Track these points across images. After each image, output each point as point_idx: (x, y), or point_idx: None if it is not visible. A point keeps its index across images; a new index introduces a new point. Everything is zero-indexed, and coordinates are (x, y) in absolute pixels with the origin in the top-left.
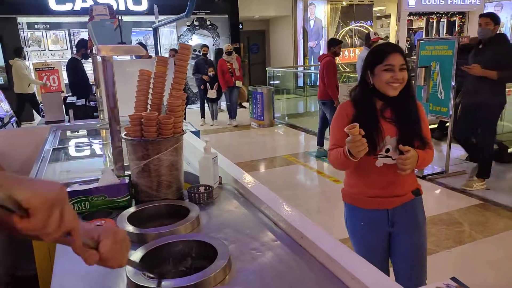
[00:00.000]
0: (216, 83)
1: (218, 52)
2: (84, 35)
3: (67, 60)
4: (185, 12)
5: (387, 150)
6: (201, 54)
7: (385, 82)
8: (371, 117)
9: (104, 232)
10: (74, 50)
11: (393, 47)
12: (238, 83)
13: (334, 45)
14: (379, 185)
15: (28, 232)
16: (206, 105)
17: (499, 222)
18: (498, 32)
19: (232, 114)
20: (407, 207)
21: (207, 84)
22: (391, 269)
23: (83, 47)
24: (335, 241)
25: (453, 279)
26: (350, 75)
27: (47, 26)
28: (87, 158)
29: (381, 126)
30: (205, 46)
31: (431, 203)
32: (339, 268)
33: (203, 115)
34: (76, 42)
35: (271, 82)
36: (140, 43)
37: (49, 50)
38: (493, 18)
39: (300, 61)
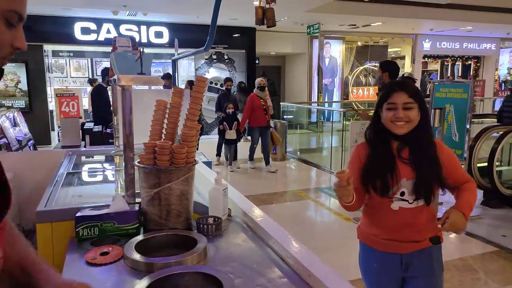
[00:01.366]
0: (235, 123)
1: (240, 88)
2: (106, 64)
3: (87, 87)
4: (204, 46)
5: (402, 193)
6: (223, 88)
7: (389, 121)
8: (385, 157)
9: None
10: (98, 78)
11: (400, 86)
12: (271, 123)
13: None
14: (394, 229)
15: None
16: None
17: None
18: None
19: (266, 159)
20: (423, 254)
21: (224, 123)
22: None
23: (107, 74)
24: (344, 281)
25: None
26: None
27: (71, 54)
28: (100, 184)
29: (397, 168)
30: (229, 80)
31: (445, 248)
32: None
33: (219, 153)
34: (101, 70)
35: (284, 116)
36: (168, 74)
37: (71, 77)
38: (381, 66)
39: (314, 97)
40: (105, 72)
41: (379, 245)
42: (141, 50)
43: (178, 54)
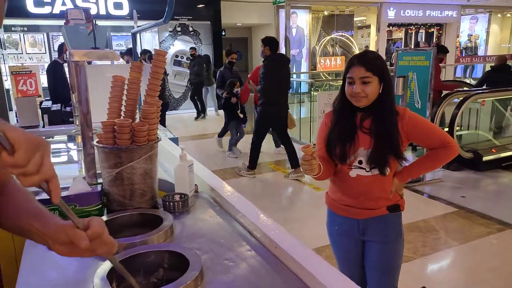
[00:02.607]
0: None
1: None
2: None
3: (45, 64)
4: (163, 18)
5: (360, 162)
6: (227, 63)
7: (349, 95)
8: (346, 127)
9: (94, 219)
10: (53, 54)
11: (359, 59)
12: None
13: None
14: (351, 195)
15: (10, 168)
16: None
17: (474, 229)
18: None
19: (277, 141)
20: (378, 221)
21: (236, 106)
22: None
23: (63, 51)
24: (309, 251)
25: None
26: (331, 83)
27: (25, 29)
28: (62, 165)
29: (356, 137)
30: (234, 52)
31: (408, 210)
32: (312, 278)
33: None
34: (57, 46)
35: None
36: (130, 49)
37: (26, 53)
38: (262, 41)
39: None
40: (62, 48)
41: (339, 209)
42: (94, 22)
43: (138, 27)
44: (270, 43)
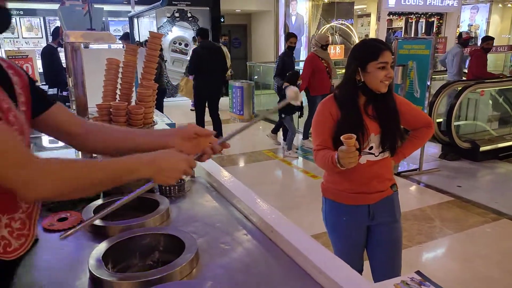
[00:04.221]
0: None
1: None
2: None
3: (41, 48)
4: (161, 1)
5: (371, 148)
6: (286, 48)
7: (379, 80)
8: (354, 116)
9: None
10: (50, 38)
11: (384, 44)
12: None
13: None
14: (362, 181)
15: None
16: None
17: (469, 219)
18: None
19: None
20: (386, 202)
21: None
22: (366, 262)
23: (59, 35)
24: (305, 236)
25: (418, 272)
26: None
27: (21, 12)
28: (60, 149)
29: (366, 125)
30: (293, 35)
31: (405, 199)
32: (307, 262)
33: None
34: (52, 30)
35: (252, 76)
36: (127, 33)
37: (23, 37)
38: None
39: None
40: (57, 32)
41: (348, 199)
42: (90, 3)
43: (135, 11)
44: (201, 32)
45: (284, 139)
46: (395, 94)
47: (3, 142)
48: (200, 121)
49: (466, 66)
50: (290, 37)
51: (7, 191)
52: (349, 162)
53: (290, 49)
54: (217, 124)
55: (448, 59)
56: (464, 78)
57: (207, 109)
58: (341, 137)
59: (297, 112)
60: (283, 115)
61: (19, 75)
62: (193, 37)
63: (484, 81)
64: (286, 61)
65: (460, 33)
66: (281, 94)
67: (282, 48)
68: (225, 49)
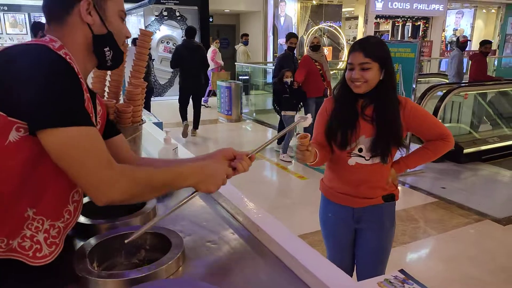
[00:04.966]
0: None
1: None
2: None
3: None
4: None
5: (360, 150)
6: (286, 49)
7: (349, 80)
8: (348, 113)
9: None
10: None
11: (359, 45)
12: (329, 92)
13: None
14: (349, 183)
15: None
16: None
17: (453, 220)
18: None
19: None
20: (373, 210)
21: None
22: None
23: (39, 29)
24: (291, 235)
25: (401, 271)
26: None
27: (5, 8)
28: None
29: (358, 125)
30: (294, 35)
31: None
32: (293, 261)
33: (285, 149)
34: (30, 25)
35: (240, 77)
36: None
37: (6, 33)
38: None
39: (270, 58)
40: (37, 26)
41: (334, 197)
42: None
43: None
44: (186, 30)
45: (279, 143)
46: (409, 101)
47: (99, 144)
48: (183, 113)
49: (464, 69)
50: (291, 37)
51: (58, 198)
52: (299, 158)
53: (290, 49)
54: (197, 116)
55: (448, 62)
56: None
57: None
58: (297, 136)
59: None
60: (280, 111)
61: (102, 106)
62: (289, 33)
63: (468, 85)
64: (284, 62)
65: (458, 37)
66: (277, 96)
67: (270, 49)
68: (242, 48)
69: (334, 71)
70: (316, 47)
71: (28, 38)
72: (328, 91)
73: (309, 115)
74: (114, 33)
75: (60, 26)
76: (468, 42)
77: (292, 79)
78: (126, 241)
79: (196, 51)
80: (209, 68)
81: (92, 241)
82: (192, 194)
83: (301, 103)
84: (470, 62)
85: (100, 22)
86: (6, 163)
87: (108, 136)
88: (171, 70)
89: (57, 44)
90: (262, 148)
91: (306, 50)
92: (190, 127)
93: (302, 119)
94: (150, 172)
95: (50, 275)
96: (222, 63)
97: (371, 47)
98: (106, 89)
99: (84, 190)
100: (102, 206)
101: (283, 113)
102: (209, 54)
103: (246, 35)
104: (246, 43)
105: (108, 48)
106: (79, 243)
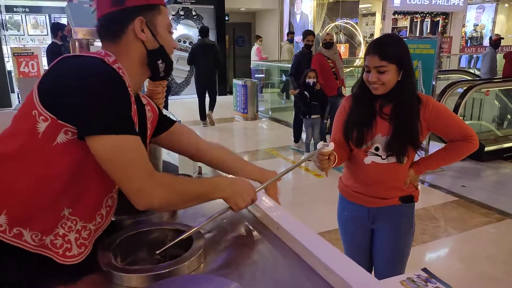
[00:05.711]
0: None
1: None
2: (65, 20)
3: (47, 46)
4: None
5: (377, 149)
6: (304, 47)
7: (366, 81)
8: (365, 112)
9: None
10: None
11: (374, 48)
12: (344, 91)
13: None
14: (364, 182)
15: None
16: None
17: (473, 219)
18: None
19: (323, 135)
20: (390, 210)
21: (310, 101)
22: None
23: (58, 30)
24: (311, 232)
25: (424, 270)
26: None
27: (27, 9)
28: None
29: (374, 123)
30: (311, 33)
31: None
32: (313, 258)
33: (297, 137)
34: (50, 26)
35: (256, 75)
36: None
37: (28, 35)
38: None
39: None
40: (56, 27)
41: (350, 196)
42: None
43: None
44: (200, 30)
45: (296, 141)
46: (431, 99)
47: (141, 153)
48: (201, 105)
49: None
50: (308, 35)
51: (94, 201)
52: (317, 166)
53: (308, 47)
54: (212, 102)
55: (485, 61)
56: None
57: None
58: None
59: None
60: (303, 116)
61: (153, 111)
62: (306, 31)
63: (489, 81)
64: (301, 60)
65: (490, 36)
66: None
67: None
68: (287, 46)
69: (351, 68)
70: (329, 44)
71: (48, 39)
72: (343, 90)
73: (331, 144)
74: (165, 46)
75: (114, 43)
76: (501, 39)
77: (315, 80)
78: (157, 252)
79: (209, 49)
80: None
81: (116, 236)
82: (225, 210)
83: (326, 105)
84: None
85: (152, 38)
86: (53, 163)
87: (164, 129)
88: (188, 69)
89: (111, 59)
90: (287, 172)
91: (319, 48)
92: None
93: (324, 147)
94: (188, 182)
95: (76, 268)
96: (267, 57)
97: (386, 49)
98: None
99: (126, 195)
100: (142, 210)
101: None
102: (254, 51)
103: (292, 33)
104: (291, 41)
105: (161, 61)
106: (103, 239)
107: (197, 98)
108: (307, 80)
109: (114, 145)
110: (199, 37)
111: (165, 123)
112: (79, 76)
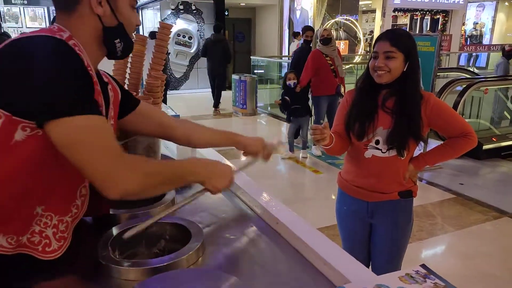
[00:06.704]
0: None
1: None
2: None
3: None
4: None
5: (377, 142)
6: (302, 42)
7: (372, 69)
8: (367, 104)
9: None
10: None
11: (386, 34)
12: (342, 90)
13: None
14: (365, 176)
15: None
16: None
17: (471, 216)
18: None
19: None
20: (389, 205)
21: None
22: None
23: None
24: (310, 227)
25: (423, 266)
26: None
27: (25, 2)
28: None
29: (376, 116)
30: (310, 29)
31: None
32: (312, 253)
33: (304, 145)
34: (51, 20)
35: (255, 71)
36: None
37: (27, 27)
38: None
39: (285, 51)
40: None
41: (350, 190)
42: None
43: (140, 2)
44: (214, 26)
45: (296, 137)
46: (433, 96)
47: (109, 136)
48: (213, 93)
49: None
50: (306, 30)
51: (67, 195)
52: (315, 138)
53: (307, 43)
54: (218, 96)
55: (494, 70)
56: None
57: None
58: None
59: (308, 116)
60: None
61: (115, 90)
62: (305, 27)
63: (488, 79)
64: (301, 56)
65: (504, 47)
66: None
67: (286, 42)
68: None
69: (351, 65)
70: (326, 40)
71: None
72: (342, 88)
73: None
74: (125, 24)
75: (68, 15)
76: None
77: (296, 81)
78: (125, 237)
79: (218, 43)
80: None
81: (114, 230)
82: (200, 191)
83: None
84: None
85: (111, 13)
86: (15, 162)
87: (130, 109)
88: (187, 64)
89: (66, 34)
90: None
91: (317, 44)
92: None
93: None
94: (161, 164)
95: (74, 262)
96: None
97: (398, 37)
98: (126, 81)
99: (93, 183)
100: (113, 199)
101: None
102: (294, 48)
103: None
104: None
105: (118, 40)
106: (101, 232)
107: (196, 93)
108: (287, 83)
109: (74, 127)
110: (213, 33)
111: (129, 103)
112: (32, 59)
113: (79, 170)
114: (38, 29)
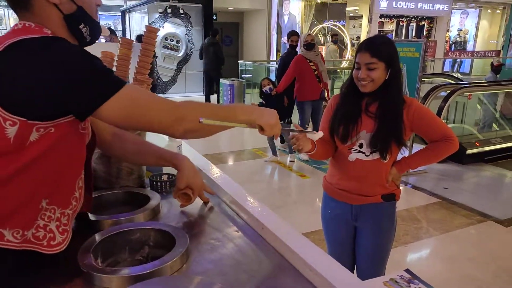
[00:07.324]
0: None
1: (211, 40)
2: None
3: None
4: None
5: (361, 145)
6: (288, 48)
7: (356, 79)
8: (351, 109)
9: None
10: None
11: (366, 45)
12: (326, 95)
13: None
14: (348, 179)
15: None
16: None
17: (455, 220)
18: None
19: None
20: (372, 208)
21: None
22: None
23: None
24: (296, 233)
25: (407, 270)
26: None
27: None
28: None
29: (360, 120)
30: (295, 33)
31: None
32: (297, 259)
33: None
34: None
35: (243, 75)
36: (109, 28)
37: None
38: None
39: (273, 56)
40: None
41: (334, 193)
42: None
43: (127, 5)
44: (211, 31)
45: (282, 142)
46: (415, 101)
47: (155, 96)
48: (207, 92)
49: None
50: (292, 35)
51: (68, 187)
52: (294, 146)
53: (292, 47)
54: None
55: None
56: None
57: None
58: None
59: (284, 122)
60: None
61: None
62: (291, 32)
63: (472, 85)
64: (287, 61)
65: (492, 62)
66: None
67: (274, 47)
68: (332, 47)
69: (337, 69)
70: (310, 45)
71: None
72: (326, 93)
73: (321, 133)
74: (84, 6)
75: (30, 13)
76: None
77: (271, 86)
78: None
79: (212, 46)
80: None
81: (97, 237)
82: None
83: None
84: None
85: (67, 0)
86: (27, 160)
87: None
88: (174, 67)
89: (49, 30)
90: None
91: (301, 49)
92: None
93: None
94: (215, 106)
95: (54, 270)
96: None
97: (378, 47)
98: None
99: (160, 132)
100: (179, 137)
101: None
102: (330, 52)
103: (336, 34)
104: (336, 42)
105: (83, 25)
106: (83, 239)
107: (183, 97)
108: (263, 89)
109: (126, 98)
110: (209, 36)
111: None
112: (47, 61)
113: (145, 128)
114: (6, 33)
